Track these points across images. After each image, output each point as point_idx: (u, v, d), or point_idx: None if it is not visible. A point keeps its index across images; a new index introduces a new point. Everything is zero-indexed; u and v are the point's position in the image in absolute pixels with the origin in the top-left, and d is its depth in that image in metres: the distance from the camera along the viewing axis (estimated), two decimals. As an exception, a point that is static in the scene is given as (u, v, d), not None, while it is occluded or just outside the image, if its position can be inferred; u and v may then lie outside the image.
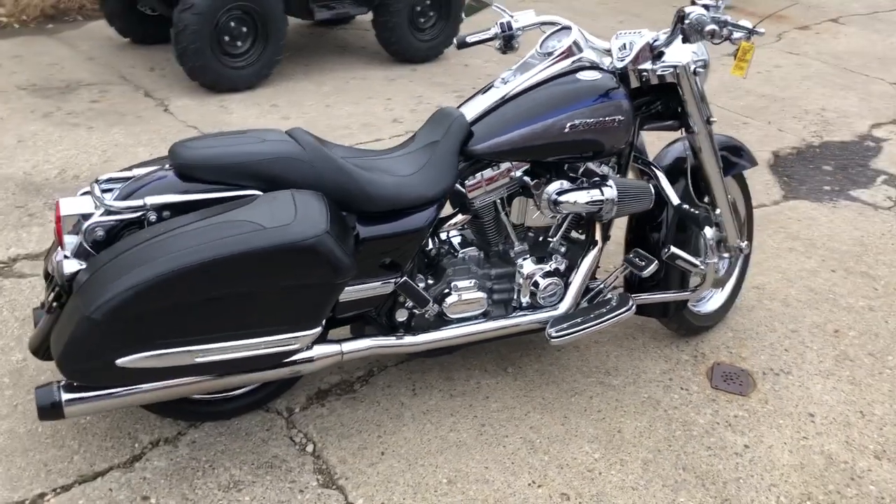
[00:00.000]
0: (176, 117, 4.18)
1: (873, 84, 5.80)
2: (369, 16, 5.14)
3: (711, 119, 2.46)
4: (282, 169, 2.00)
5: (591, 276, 2.49)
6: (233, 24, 4.38)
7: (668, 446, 2.39)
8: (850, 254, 3.54)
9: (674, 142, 2.75)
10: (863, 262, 3.49)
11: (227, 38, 4.39)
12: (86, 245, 1.91)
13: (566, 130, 2.24)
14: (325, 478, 2.16)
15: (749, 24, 2.03)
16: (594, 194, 2.30)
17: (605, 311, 2.43)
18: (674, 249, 2.40)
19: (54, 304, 1.96)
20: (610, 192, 2.30)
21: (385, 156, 2.26)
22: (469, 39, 2.51)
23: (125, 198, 1.94)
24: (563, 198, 2.28)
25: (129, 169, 2.10)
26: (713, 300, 2.90)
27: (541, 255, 2.45)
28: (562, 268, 2.45)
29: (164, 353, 1.82)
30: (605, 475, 2.27)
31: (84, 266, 1.87)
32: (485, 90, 2.40)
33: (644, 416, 2.50)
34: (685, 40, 2.22)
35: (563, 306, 2.43)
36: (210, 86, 4.43)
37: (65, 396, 1.90)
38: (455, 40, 2.52)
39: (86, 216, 1.95)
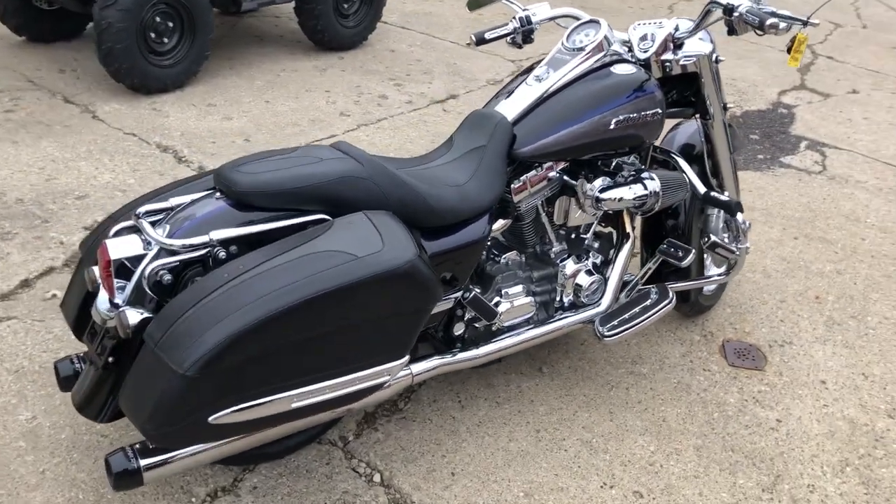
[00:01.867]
0: (109, 125, 3.82)
1: (765, 52, 6.08)
2: (290, 4, 4.87)
3: (728, 105, 2.49)
4: (347, 189, 1.85)
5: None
6: (158, 19, 4.03)
7: (712, 430, 2.42)
8: (803, 220, 3.71)
9: (673, 128, 2.76)
10: (816, 227, 3.66)
11: (153, 35, 4.04)
12: (148, 291, 1.70)
13: (612, 127, 2.20)
14: (403, 508, 2.04)
15: (803, 17, 2.05)
16: (637, 189, 2.27)
17: (649, 304, 2.42)
18: (713, 237, 2.42)
19: (110, 358, 1.74)
20: (653, 184, 2.28)
21: (429, 164, 2.14)
22: (487, 36, 2.40)
23: (183, 234, 1.74)
24: (606, 195, 2.24)
25: (159, 198, 1.89)
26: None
27: (577, 253, 2.40)
28: (598, 264, 2.42)
29: (260, 403, 1.65)
30: (665, 467, 2.27)
31: (149, 315, 1.67)
32: (511, 89, 2.31)
33: (680, 402, 2.52)
34: (731, 32, 2.22)
35: (605, 303, 2.40)
36: (137, 87, 4.07)
37: (143, 462, 1.70)
38: (473, 37, 2.40)
39: (133, 258, 1.74)
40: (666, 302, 2.43)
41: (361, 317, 1.70)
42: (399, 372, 1.88)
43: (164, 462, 1.72)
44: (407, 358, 1.86)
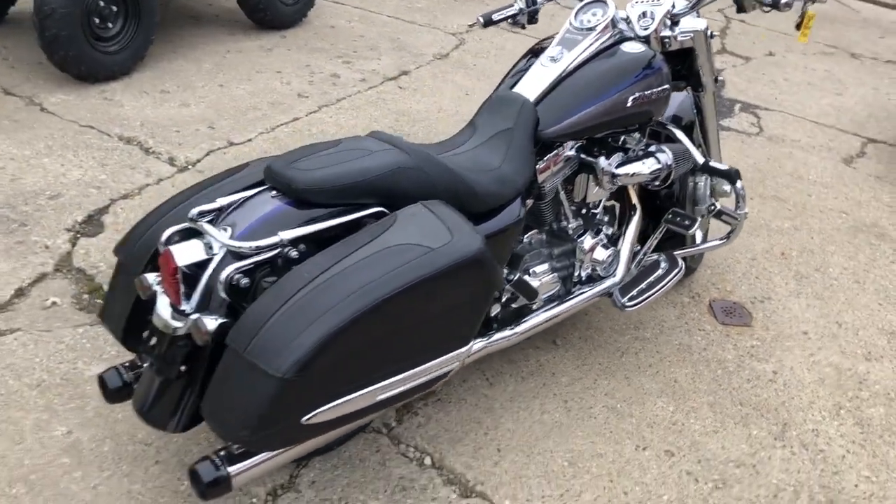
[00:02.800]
0: (61, 117, 3.62)
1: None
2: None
3: (719, 78, 2.60)
4: (400, 180, 1.86)
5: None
6: (102, 3, 3.82)
7: (719, 386, 2.57)
8: (754, 180, 3.91)
9: None
10: (767, 186, 3.87)
11: (97, 21, 3.83)
12: (224, 296, 1.67)
13: (629, 105, 2.27)
14: (461, 488, 2.09)
15: None
16: (651, 163, 2.35)
17: (662, 273, 2.52)
18: (718, 205, 2.53)
19: (181, 367, 1.71)
20: (665, 157, 2.37)
21: (459, 150, 2.16)
22: (495, 17, 2.43)
23: (248, 236, 1.71)
24: (623, 170, 2.31)
25: (197, 198, 1.85)
26: (698, 243, 3.11)
27: (591, 228, 2.48)
28: (610, 237, 2.51)
29: (349, 399, 1.65)
30: (687, 425, 2.40)
31: (225, 321, 1.64)
32: (524, 70, 2.34)
33: (685, 362, 2.66)
34: (740, 10, 2.31)
35: (620, 273, 2.49)
36: (84, 76, 3.86)
37: (230, 469, 1.68)
38: (480, 18, 2.42)
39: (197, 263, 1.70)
40: (677, 270, 2.54)
41: (438, 307, 1.72)
42: (465, 358, 1.92)
43: (252, 466, 1.70)
44: (472, 344, 1.89)
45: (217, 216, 1.81)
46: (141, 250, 1.84)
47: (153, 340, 1.76)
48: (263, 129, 3.72)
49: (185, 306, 1.68)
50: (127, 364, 1.92)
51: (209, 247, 1.71)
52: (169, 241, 1.78)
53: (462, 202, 1.96)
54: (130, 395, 1.92)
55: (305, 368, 1.53)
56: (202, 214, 1.78)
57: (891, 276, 3.32)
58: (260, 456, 1.72)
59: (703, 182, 2.88)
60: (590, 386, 2.50)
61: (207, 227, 1.72)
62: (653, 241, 2.62)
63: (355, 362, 1.62)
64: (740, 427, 2.42)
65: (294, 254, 1.73)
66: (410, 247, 1.69)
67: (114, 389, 1.89)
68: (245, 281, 1.67)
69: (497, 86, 2.43)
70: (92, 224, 2.91)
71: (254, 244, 1.68)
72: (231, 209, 1.80)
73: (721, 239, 2.65)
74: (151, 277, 1.77)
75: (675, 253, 2.62)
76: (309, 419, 1.61)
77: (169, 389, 1.75)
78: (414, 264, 1.66)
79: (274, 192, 1.81)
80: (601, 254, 2.43)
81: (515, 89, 2.28)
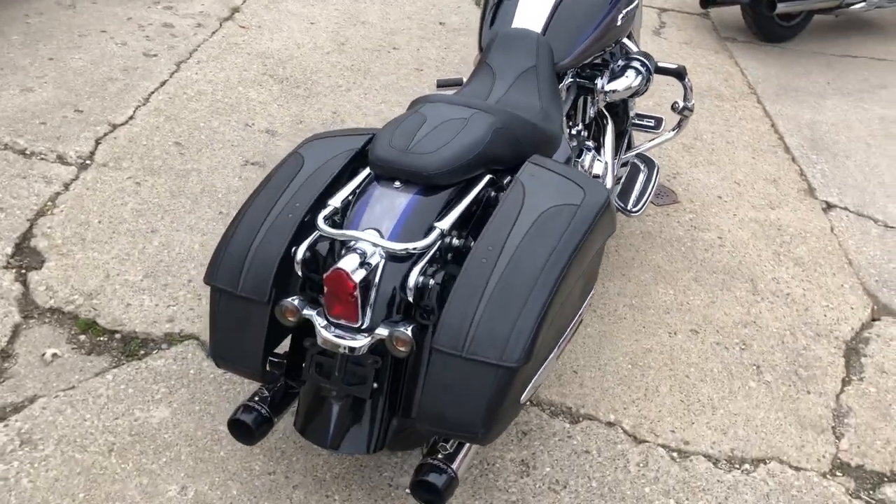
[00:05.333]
0: None
1: None
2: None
3: None
4: (499, 144, 1.84)
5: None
6: None
7: (691, 262, 2.89)
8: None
9: None
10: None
11: None
12: (410, 300, 1.60)
13: (619, 23, 2.36)
14: (567, 416, 2.21)
15: None
16: (633, 74, 2.49)
17: (646, 174, 2.72)
18: (681, 102, 2.74)
19: (374, 384, 1.63)
20: (642, 66, 2.51)
21: (495, 95, 2.13)
22: None
23: (402, 234, 1.63)
24: (613, 86, 2.43)
25: (292, 203, 1.72)
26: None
27: (581, 146, 2.59)
28: (594, 149, 2.64)
29: (543, 367, 1.69)
30: (691, 303, 2.70)
31: (410, 326, 1.58)
32: (510, 2, 2.34)
33: (656, 247, 2.93)
34: None
35: (609, 183, 2.65)
36: None
37: (454, 466, 1.66)
38: None
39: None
40: (656, 168, 2.75)
41: (590, 257, 1.77)
42: None
43: (464, 455, 1.69)
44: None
45: (343, 219, 1.70)
46: (259, 274, 1.66)
47: (321, 367, 1.65)
48: (137, 101, 3.29)
49: (363, 321, 1.59)
50: (257, 399, 1.77)
51: (363, 254, 1.60)
52: (314, 256, 1.64)
53: (539, 150, 1.98)
54: (269, 430, 1.78)
55: (530, 352, 1.54)
56: (327, 220, 1.66)
57: (747, 132, 3.82)
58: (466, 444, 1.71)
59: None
60: (602, 292, 2.68)
61: (362, 235, 1.61)
62: (623, 147, 2.80)
63: (550, 330, 1.65)
64: (725, 292, 2.76)
65: (456, 242, 1.68)
66: (559, 208, 1.71)
67: (255, 429, 1.74)
68: (432, 282, 1.60)
69: (483, 24, 2.40)
70: (27, 254, 2.48)
71: (422, 243, 1.61)
72: (358, 209, 1.69)
73: (673, 130, 2.90)
74: (297, 301, 1.63)
75: (637, 152, 2.83)
76: (524, 398, 1.63)
77: (360, 411, 1.66)
78: (575, 222, 1.68)
79: (397, 183, 1.72)
80: (598, 167, 2.56)
81: (517, 23, 2.27)
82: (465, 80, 2.76)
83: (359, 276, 1.55)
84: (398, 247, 1.59)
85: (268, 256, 1.67)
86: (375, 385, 1.63)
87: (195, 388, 2.11)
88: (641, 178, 2.74)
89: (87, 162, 2.90)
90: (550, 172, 1.80)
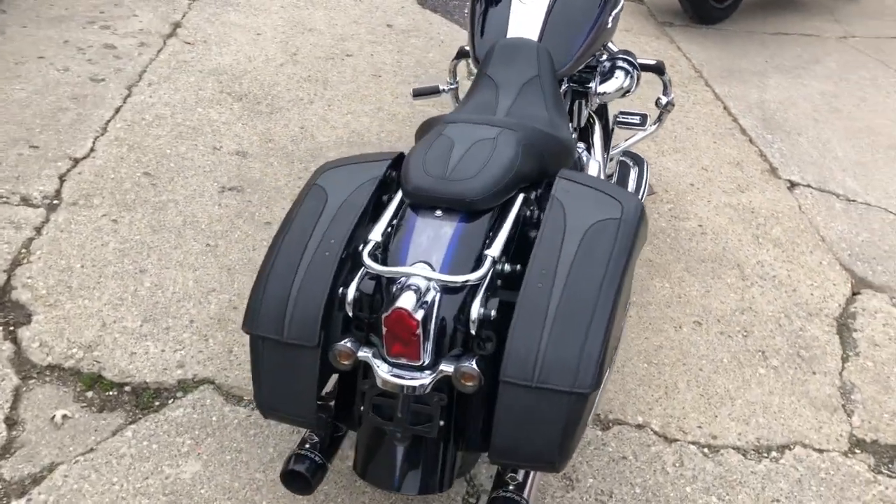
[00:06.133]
0: None
1: None
2: None
3: None
4: (528, 160, 1.81)
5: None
6: None
7: (679, 253, 2.94)
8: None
9: None
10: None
11: None
12: (473, 335, 1.56)
13: (609, 25, 2.36)
14: (598, 423, 2.22)
15: None
16: (622, 75, 2.50)
17: (638, 170, 2.74)
18: (664, 98, 2.76)
19: (441, 422, 1.59)
20: (630, 66, 2.52)
21: (502, 107, 2.09)
22: None
23: (453, 264, 1.60)
24: (605, 88, 2.44)
25: (336, 239, 1.66)
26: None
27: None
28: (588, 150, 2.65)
29: (604, 385, 1.68)
30: (687, 293, 2.75)
31: (473, 359, 1.55)
32: (499, 12, 2.31)
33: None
34: None
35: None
36: None
37: (524, 494, 1.63)
38: None
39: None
40: (645, 163, 2.78)
41: (633, 269, 1.76)
42: None
43: (531, 481, 1.68)
44: None
45: (385, 253, 1.65)
46: (305, 318, 1.59)
47: (381, 409, 1.59)
48: (94, 131, 3.11)
49: (423, 359, 1.55)
50: (308, 446, 1.70)
51: (418, 290, 1.55)
52: (365, 296, 1.59)
53: (560, 161, 1.96)
54: (324, 476, 1.72)
55: (602, 374, 1.52)
56: (372, 255, 1.60)
57: (703, 116, 3.90)
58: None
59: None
60: (603, 290, 2.70)
61: (415, 270, 1.55)
62: (609, 145, 2.81)
63: (611, 348, 1.64)
64: (717, 280, 2.82)
65: (507, 268, 1.65)
66: (602, 224, 1.69)
67: (311, 477, 1.68)
68: (493, 313, 1.57)
69: (473, 33, 2.37)
70: (11, 309, 2.32)
71: (478, 274, 1.57)
72: (401, 242, 1.64)
73: (654, 124, 2.92)
74: (351, 344, 1.57)
75: (624, 149, 2.84)
76: (591, 419, 1.63)
77: (425, 450, 1.61)
78: (620, 238, 1.66)
79: (438, 212, 1.67)
80: (594, 167, 2.57)
81: (513, 33, 2.24)
82: (441, 87, 2.72)
83: (420, 314, 1.50)
84: (457, 279, 1.55)
85: (312, 299, 1.60)
86: (442, 423, 1.59)
87: (222, 437, 2.02)
88: (633, 174, 2.76)
89: (55, 202, 2.74)
90: (583, 186, 1.78)
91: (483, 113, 2.04)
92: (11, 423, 2.00)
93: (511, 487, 1.63)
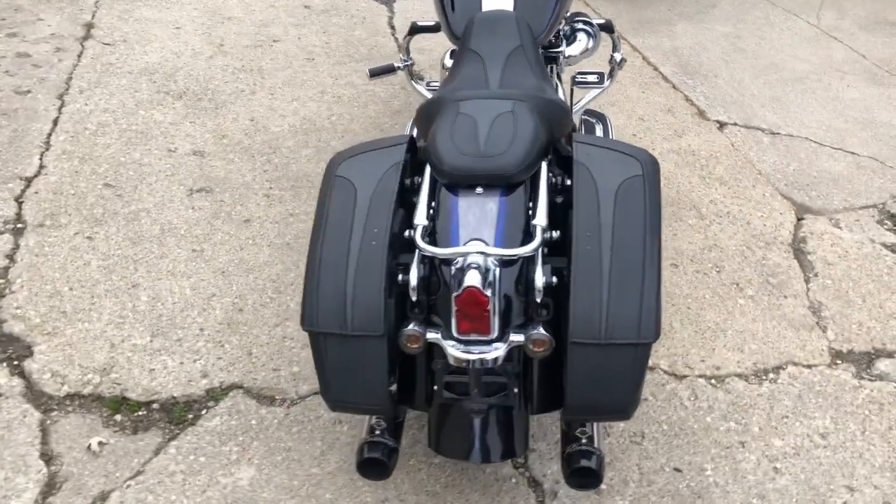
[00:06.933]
0: None
1: None
2: None
3: None
4: (546, 128, 1.87)
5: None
6: None
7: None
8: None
9: None
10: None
11: None
12: (539, 303, 1.63)
13: None
14: (665, 376, 2.34)
15: None
16: (584, 37, 2.59)
17: (602, 127, 2.85)
18: (618, 55, 2.86)
19: (514, 389, 1.66)
20: (589, 28, 2.61)
21: (492, 77, 2.14)
22: None
23: (506, 238, 1.66)
24: (573, 51, 2.53)
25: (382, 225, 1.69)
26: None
27: None
28: None
29: None
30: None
31: (539, 326, 1.62)
32: None
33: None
34: None
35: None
36: None
37: (597, 444, 1.73)
38: None
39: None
40: (609, 120, 2.89)
41: None
42: None
43: (598, 432, 1.77)
44: None
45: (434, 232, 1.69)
46: (368, 308, 1.61)
47: (452, 385, 1.65)
48: (38, 147, 2.95)
49: (491, 334, 1.61)
50: (377, 432, 1.74)
51: (479, 267, 1.60)
52: (421, 280, 1.62)
53: (563, 127, 2.02)
54: (398, 459, 1.77)
55: (660, 322, 1.63)
56: (424, 237, 1.64)
57: (627, 68, 4.07)
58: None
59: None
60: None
61: (474, 248, 1.60)
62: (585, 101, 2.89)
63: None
64: (680, 223, 3.00)
65: (555, 235, 1.72)
66: (628, 180, 1.76)
67: (388, 462, 1.72)
68: (554, 279, 1.64)
69: (444, 9, 2.39)
70: (7, 343, 2.21)
71: (533, 244, 1.63)
72: (448, 222, 1.69)
73: (607, 80, 3.04)
74: (418, 327, 1.61)
75: (583, 106, 2.94)
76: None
77: (501, 418, 1.68)
78: (648, 192, 1.74)
79: (479, 189, 1.72)
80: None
81: (486, 6, 2.29)
82: (396, 65, 2.73)
83: (489, 290, 1.56)
84: (516, 252, 1.61)
85: (370, 289, 1.62)
86: (516, 390, 1.66)
87: (267, 438, 2.02)
88: (599, 130, 2.87)
89: (19, 225, 2.60)
90: (600, 148, 1.85)
91: (475, 87, 2.08)
92: (47, 458, 1.93)
93: (584, 441, 1.73)
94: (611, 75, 2.95)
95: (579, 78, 2.84)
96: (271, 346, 2.26)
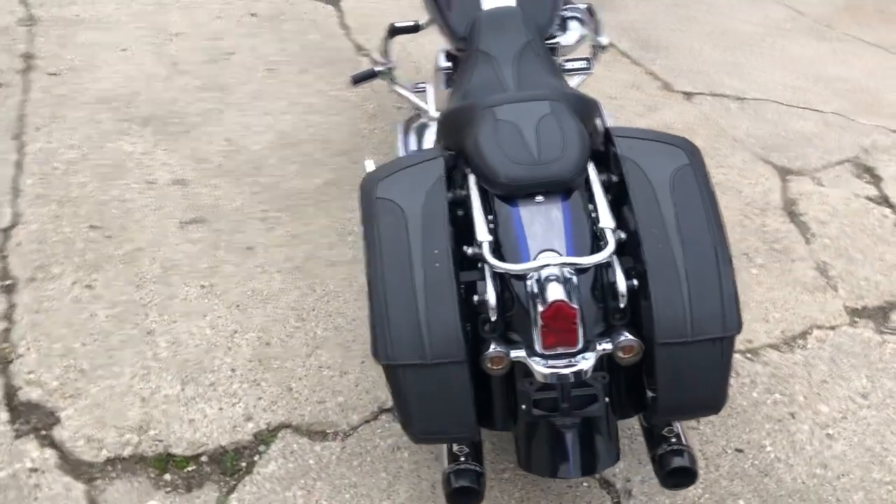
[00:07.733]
0: None
1: None
2: None
3: None
4: (584, 125, 1.84)
5: None
6: None
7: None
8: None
9: None
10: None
11: None
12: (621, 306, 1.59)
13: None
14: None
15: None
16: (576, 25, 2.56)
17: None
18: (603, 40, 2.82)
19: (606, 398, 1.63)
20: (580, 13, 2.58)
21: (508, 74, 2.09)
22: None
23: (577, 246, 1.62)
24: (572, 38, 2.50)
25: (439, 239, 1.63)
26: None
27: None
28: None
29: None
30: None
31: (625, 331, 1.60)
32: None
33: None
34: None
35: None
36: None
37: (687, 442, 1.71)
38: None
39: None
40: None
41: None
42: None
43: (683, 430, 1.75)
44: None
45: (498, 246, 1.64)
46: (445, 335, 1.54)
47: (539, 402, 1.61)
48: (6, 193, 2.75)
49: (578, 344, 1.57)
50: (462, 458, 1.68)
51: (557, 279, 1.56)
52: (509, 295, 1.58)
53: (589, 122, 1.98)
54: (486, 485, 1.71)
55: (740, 312, 1.61)
56: (490, 251, 1.59)
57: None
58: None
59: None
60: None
61: (549, 259, 1.56)
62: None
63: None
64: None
65: (623, 236, 1.68)
66: (679, 171, 1.73)
67: (479, 488, 1.66)
68: (635, 282, 1.60)
69: (442, 10, 2.33)
70: (29, 413, 2.05)
71: (608, 250, 1.59)
72: (513, 236, 1.64)
73: (593, 64, 3.01)
74: (501, 347, 1.56)
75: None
76: None
77: (591, 428, 1.65)
78: (699, 180, 1.70)
79: (539, 198, 1.67)
80: None
81: (487, 4, 2.25)
82: (376, 69, 2.64)
83: (575, 302, 1.52)
84: (593, 259, 1.56)
85: (445, 314, 1.56)
86: (607, 399, 1.63)
87: (329, 476, 1.94)
88: (595, 117, 2.84)
89: (8, 282, 2.41)
90: (638, 140, 1.82)
91: (495, 89, 2.02)
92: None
93: (673, 440, 1.70)
94: (594, 60, 2.92)
95: (568, 65, 2.81)
96: (310, 378, 2.17)
